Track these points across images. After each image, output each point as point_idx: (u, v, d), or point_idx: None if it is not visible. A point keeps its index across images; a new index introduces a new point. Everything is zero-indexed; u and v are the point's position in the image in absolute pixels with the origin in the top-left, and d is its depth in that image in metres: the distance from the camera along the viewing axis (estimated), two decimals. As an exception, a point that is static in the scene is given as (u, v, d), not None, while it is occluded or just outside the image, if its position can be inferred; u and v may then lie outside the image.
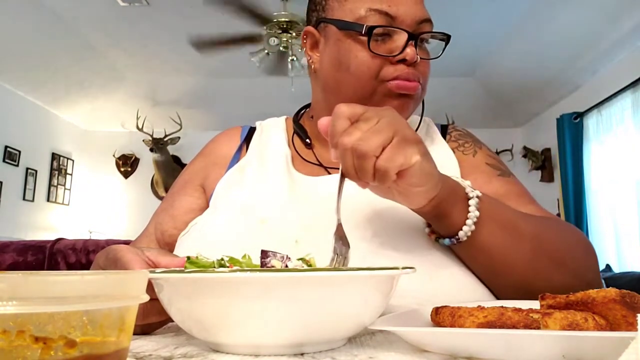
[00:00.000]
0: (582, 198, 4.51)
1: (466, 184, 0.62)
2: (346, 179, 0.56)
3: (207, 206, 0.82)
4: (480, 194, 0.61)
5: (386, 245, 0.67)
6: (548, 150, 5.46)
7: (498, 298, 0.67)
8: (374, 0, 0.74)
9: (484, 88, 5.35)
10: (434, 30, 0.77)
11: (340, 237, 0.56)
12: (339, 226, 0.56)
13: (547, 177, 5.50)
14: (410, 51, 0.73)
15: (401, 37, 0.74)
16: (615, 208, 4.14)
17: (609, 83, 4.21)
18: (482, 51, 4.62)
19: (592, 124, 4.53)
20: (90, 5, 3.87)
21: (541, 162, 5.55)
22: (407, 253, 0.66)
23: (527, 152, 5.73)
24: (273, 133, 0.89)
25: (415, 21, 0.75)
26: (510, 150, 5.90)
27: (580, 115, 4.63)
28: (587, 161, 4.56)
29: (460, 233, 0.60)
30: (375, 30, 0.73)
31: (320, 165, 0.82)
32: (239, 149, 0.88)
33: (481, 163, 0.81)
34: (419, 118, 0.87)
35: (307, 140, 0.85)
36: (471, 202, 0.59)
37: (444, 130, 0.89)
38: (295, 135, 0.88)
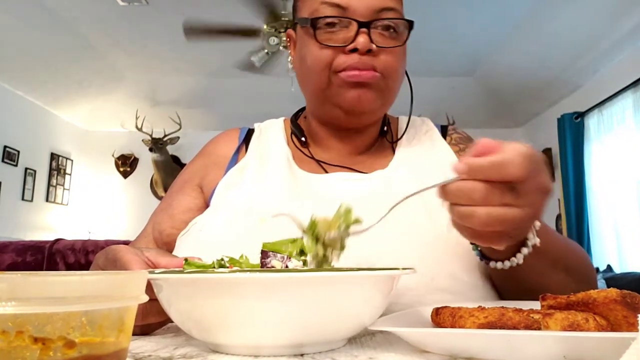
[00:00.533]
0: (583, 198, 4.51)
1: (534, 227, 0.57)
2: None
3: (205, 206, 0.82)
4: (539, 226, 0.57)
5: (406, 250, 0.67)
6: (549, 150, 5.46)
7: (500, 295, 0.68)
8: None
9: (484, 88, 5.35)
10: (392, 17, 0.75)
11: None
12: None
13: (547, 177, 5.50)
14: (361, 39, 0.72)
15: (353, 27, 0.73)
16: (616, 208, 4.14)
17: (610, 83, 4.21)
18: (483, 51, 4.62)
19: (593, 124, 4.53)
20: (90, 5, 3.87)
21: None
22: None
23: (527, 152, 5.72)
24: (272, 133, 0.90)
25: (371, 10, 0.74)
26: (510, 151, 5.90)
27: (581, 115, 4.63)
28: (588, 161, 4.56)
29: (506, 263, 0.58)
30: (325, 22, 0.74)
31: (318, 162, 0.83)
32: (238, 150, 0.89)
33: None
34: (407, 118, 0.87)
35: (303, 139, 0.86)
36: (524, 249, 0.57)
37: (443, 131, 0.89)
38: (292, 134, 0.88)
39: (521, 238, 0.54)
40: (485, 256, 0.61)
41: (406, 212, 0.65)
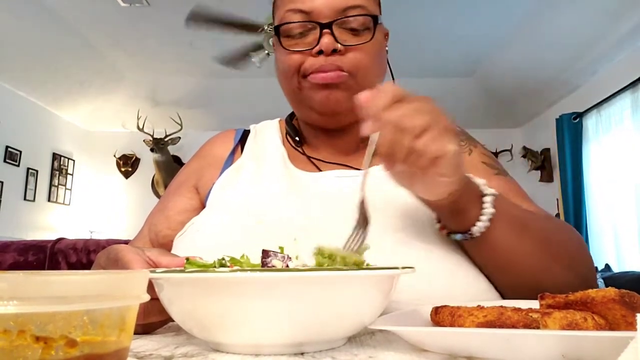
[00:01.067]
0: (582, 198, 4.51)
1: (480, 182, 0.61)
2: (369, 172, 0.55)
3: (202, 206, 0.83)
4: (495, 192, 0.61)
5: (415, 238, 0.67)
6: (547, 150, 5.46)
7: (501, 295, 0.68)
8: (289, 1, 0.76)
9: (483, 88, 5.35)
10: (356, 14, 0.75)
11: (363, 212, 0.55)
12: (362, 202, 0.55)
13: (547, 177, 5.50)
14: (325, 40, 0.72)
15: (317, 30, 0.74)
16: (614, 208, 4.14)
17: (609, 83, 4.21)
18: (482, 51, 4.62)
19: (591, 124, 4.53)
20: (91, 6, 3.88)
21: (540, 162, 5.54)
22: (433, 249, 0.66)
23: (527, 152, 5.73)
24: (267, 134, 0.90)
25: (334, 10, 0.74)
26: (510, 151, 5.90)
27: (580, 115, 4.63)
28: (587, 161, 4.56)
29: (474, 229, 0.60)
30: (289, 28, 0.76)
31: (311, 160, 0.83)
32: (233, 151, 0.89)
33: (477, 162, 0.81)
34: None
35: (296, 138, 0.86)
36: (486, 199, 0.60)
37: None
38: (287, 134, 0.89)
39: (458, 176, 0.55)
40: (464, 234, 0.62)
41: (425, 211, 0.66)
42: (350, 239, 0.53)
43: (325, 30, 0.73)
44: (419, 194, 0.59)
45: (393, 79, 0.87)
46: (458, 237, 0.63)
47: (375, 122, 0.52)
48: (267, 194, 0.76)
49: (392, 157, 0.53)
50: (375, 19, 0.76)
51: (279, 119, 0.96)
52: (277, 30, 0.77)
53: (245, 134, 0.93)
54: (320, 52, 0.74)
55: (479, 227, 0.60)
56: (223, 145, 0.91)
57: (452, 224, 0.63)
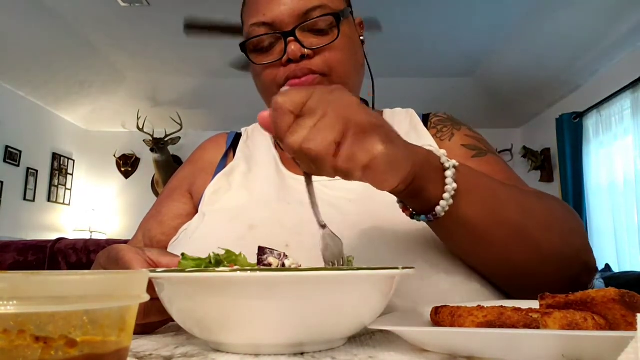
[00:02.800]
0: (582, 198, 4.51)
1: (441, 152, 0.55)
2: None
3: (195, 211, 0.82)
4: (456, 164, 0.55)
5: (382, 246, 0.66)
6: (548, 150, 5.46)
7: (500, 290, 0.66)
8: (252, 16, 0.76)
9: (483, 88, 5.35)
10: (317, 16, 0.73)
11: (329, 235, 0.53)
12: (325, 231, 0.53)
13: (547, 177, 5.50)
14: (291, 48, 0.72)
15: (282, 40, 0.74)
16: (614, 208, 4.14)
17: (609, 83, 4.21)
18: (482, 51, 4.62)
19: (591, 124, 4.53)
20: (91, 6, 3.87)
21: (541, 162, 5.54)
22: (405, 254, 0.65)
23: (527, 152, 5.72)
24: (258, 137, 0.90)
25: (295, 17, 0.73)
26: (510, 150, 5.90)
27: (580, 115, 4.63)
28: (587, 161, 4.56)
29: (438, 208, 0.54)
30: (257, 42, 0.75)
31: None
32: (225, 155, 0.89)
33: (456, 146, 0.79)
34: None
35: None
36: (447, 173, 0.54)
37: (425, 119, 0.86)
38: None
39: (403, 166, 0.49)
40: (429, 214, 0.56)
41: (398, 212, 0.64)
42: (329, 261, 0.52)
43: (289, 39, 0.73)
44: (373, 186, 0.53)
45: (370, 70, 0.86)
46: (422, 218, 0.57)
47: (286, 150, 0.47)
48: (260, 197, 0.76)
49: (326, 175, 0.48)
50: (337, 16, 0.75)
51: None
52: (247, 47, 0.77)
53: (238, 137, 0.92)
54: (290, 61, 0.73)
55: (442, 206, 0.54)
56: (215, 150, 0.91)
57: (415, 205, 0.57)
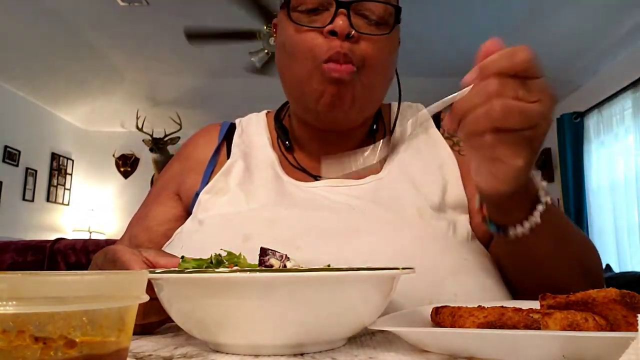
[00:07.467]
0: (583, 198, 4.51)
1: (541, 185, 0.55)
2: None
3: (184, 214, 0.79)
4: (549, 201, 0.55)
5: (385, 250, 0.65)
6: (548, 150, 5.46)
7: (504, 290, 0.67)
8: None
9: (484, 88, 5.34)
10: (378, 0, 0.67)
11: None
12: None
13: (548, 177, 5.49)
14: (340, 22, 0.65)
15: (332, 9, 0.66)
16: (615, 208, 4.14)
17: (610, 83, 4.21)
18: (482, 51, 4.62)
19: (592, 124, 4.53)
20: (90, 5, 3.87)
21: (541, 162, 5.54)
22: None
23: (527, 152, 5.72)
24: (254, 133, 0.84)
25: None
26: (510, 150, 5.90)
27: (581, 115, 4.63)
28: (588, 161, 4.56)
29: (511, 232, 0.55)
30: (302, 1, 0.68)
31: (304, 171, 0.77)
32: (217, 150, 0.83)
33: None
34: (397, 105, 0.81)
35: (287, 142, 0.80)
36: (539, 207, 0.54)
37: (437, 121, 0.82)
38: (278, 138, 0.82)
39: (533, 155, 0.49)
40: (500, 228, 0.56)
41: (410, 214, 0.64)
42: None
43: (341, 10, 0.65)
44: (480, 182, 0.53)
45: (399, 88, 0.81)
46: (492, 228, 0.57)
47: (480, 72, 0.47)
48: (256, 207, 0.71)
49: (476, 119, 0.47)
50: (398, 10, 0.69)
51: (266, 111, 0.89)
52: (288, 4, 0.69)
53: (231, 128, 0.87)
54: (332, 34, 0.66)
55: (517, 232, 0.55)
56: (205, 147, 0.85)
57: (491, 212, 0.57)
